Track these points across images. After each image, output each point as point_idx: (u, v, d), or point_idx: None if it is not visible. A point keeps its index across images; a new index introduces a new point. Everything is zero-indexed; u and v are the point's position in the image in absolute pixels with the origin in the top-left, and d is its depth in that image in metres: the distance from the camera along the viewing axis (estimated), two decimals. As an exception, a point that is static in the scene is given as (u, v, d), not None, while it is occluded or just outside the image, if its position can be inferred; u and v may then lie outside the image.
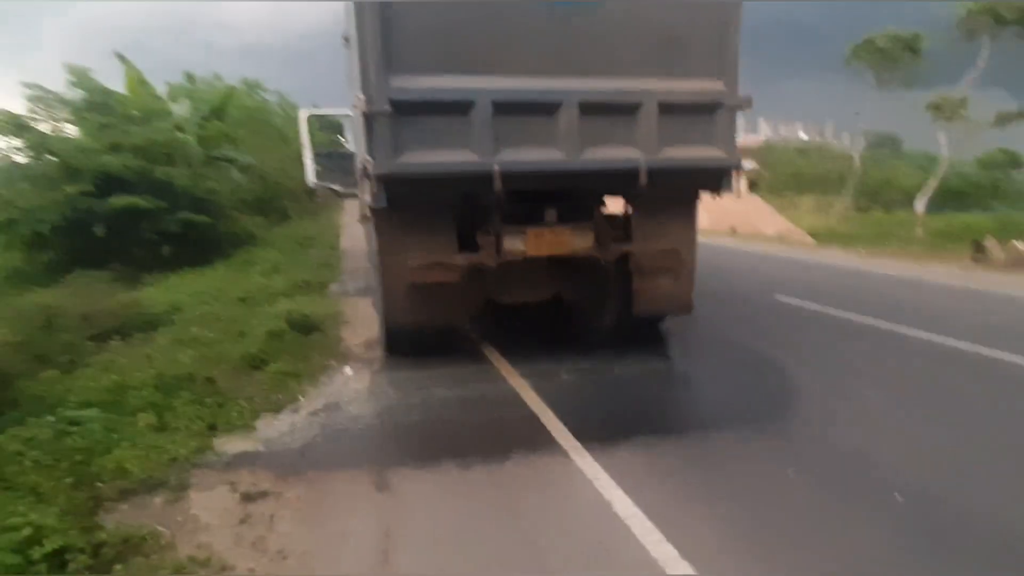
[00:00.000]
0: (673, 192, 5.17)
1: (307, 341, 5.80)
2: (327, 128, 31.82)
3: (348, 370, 5.22)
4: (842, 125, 33.88)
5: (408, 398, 4.51)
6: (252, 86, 19.09)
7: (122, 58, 12.64)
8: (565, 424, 3.93)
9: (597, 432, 3.77)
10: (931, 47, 22.36)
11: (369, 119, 4.22)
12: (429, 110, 4.32)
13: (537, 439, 3.75)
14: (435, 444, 3.75)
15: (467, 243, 5.17)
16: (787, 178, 31.41)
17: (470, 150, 4.41)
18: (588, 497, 3.08)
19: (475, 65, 4.35)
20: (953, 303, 8.51)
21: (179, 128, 12.34)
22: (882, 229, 22.95)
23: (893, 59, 22.93)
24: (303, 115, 12.79)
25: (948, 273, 12.06)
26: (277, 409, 4.34)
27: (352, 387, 4.81)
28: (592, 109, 4.55)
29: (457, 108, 4.36)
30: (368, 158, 4.26)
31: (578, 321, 6.50)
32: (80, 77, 11.12)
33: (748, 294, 8.37)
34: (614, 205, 5.58)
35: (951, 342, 5.81)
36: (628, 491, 3.06)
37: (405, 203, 4.50)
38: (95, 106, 11.01)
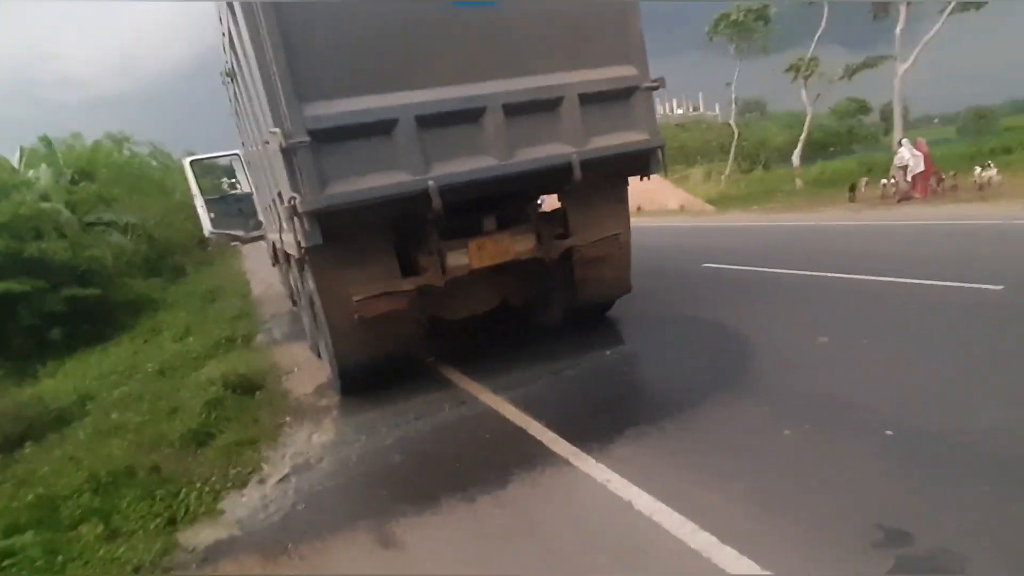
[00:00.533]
0: (604, 180, 5.19)
1: (251, 402, 5.32)
2: (209, 173, 30.05)
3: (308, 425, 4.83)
4: (712, 96, 36.13)
5: (381, 440, 4.23)
6: (119, 140, 17.53)
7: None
8: (554, 431, 3.81)
9: (588, 433, 3.69)
10: (779, 13, 24.34)
11: (288, 153, 3.90)
12: (350, 134, 4.07)
13: (532, 452, 3.61)
14: (428, 482, 3.51)
15: (407, 266, 4.95)
16: (674, 152, 33.08)
17: (400, 170, 4.20)
18: (606, 501, 2.98)
19: (390, 81, 4.15)
20: (853, 241, 9.24)
21: (44, 198, 11.10)
22: (767, 186, 24.73)
23: (748, 29, 24.73)
24: (187, 163, 11.92)
25: (835, 215, 13.14)
26: (241, 484, 3.92)
27: (317, 441, 4.45)
28: (516, 109, 4.48)
29: (379, 128, 4.13)
30: (293, 195, 3.94)
31: (525, 321, 6.43)
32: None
33: (676, 267, 8.63)
34: (550, 203, 5.55)
35: (869, 277, 6.27)
36: (643, 487, 3.00)
37: (340, 235, 4.21)
38: (-64, 187, 9.67)
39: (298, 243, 4.26)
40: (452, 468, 3.65)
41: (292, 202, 3.95)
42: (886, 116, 48.87)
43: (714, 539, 2.52)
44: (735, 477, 2.97)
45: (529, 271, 5.70)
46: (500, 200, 5.07)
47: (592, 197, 5.32)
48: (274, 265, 12.15)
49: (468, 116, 4.37)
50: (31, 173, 12.88)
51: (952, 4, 18.47)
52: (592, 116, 4.75)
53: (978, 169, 14.38)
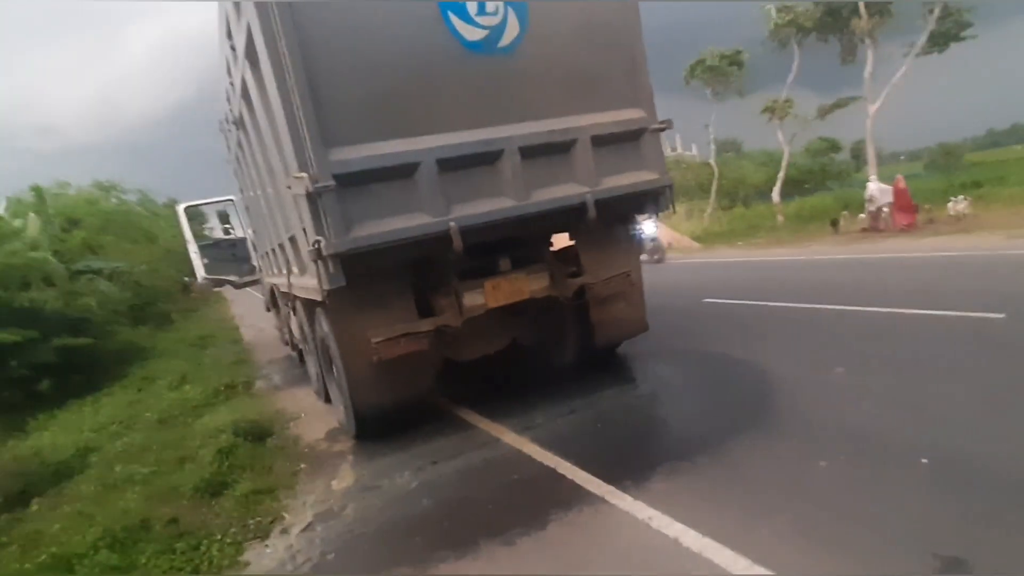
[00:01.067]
0: (614, 219, 5.29)
1: (263, 449, 5.20)
2: (194, 219, 29.94)
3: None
4: (689, 137, 37.12)
5: (406, 484, 4.15)
6: (107, 188, 17.45)
7: (-51, 180, 11.08)
8: (585, 470, 3.78)
9: (620, 470, 3.66)
10: (751, 58, 25.40)
11: (313, 197, 3.94)
12: (374, 178, 4.13)
13: (566, 492, 3.57)
14: (463, 527, 3.44)
15: (423, 307, 4.96)
16: (656, 192, 33.62)
17: (422, 212, 4.26)
18: (650, 539, 2.94)
19: (411, 126, 4.24)
20: (847, 274, 9.45)
21: (33, 247, 10.95)
22: (749, 222, 25.33)
23: (723, 73, 25.76)
24: (180, 209, 11.89)
25: (823, 249, 13.46)
26: (263, 535, 3.80)
27: (337, 488, 4.34)
28: (532, 152, 4.59)
29: (402, 172, 4.20)
30: (318, 238, 3.96)
31: (536, 362, 6.41)
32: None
33: (677, 302, 8.72)
34: (559, 242, 5.62)
35: (872, 309, 6.41)
36: (687, 523, 2.97)
37: (359, 278, 4.21)
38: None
39: (319, 286, 4.26)
40: (485, 511, 3.58)
41: (317, 245, 3.97)
42: (856, 154, 50.78)
43: (771, 574, 2.49)
44: (780, 510, 2.96)
45: (539, 312, 5.72)
46: (514, 241, 5.14)
47: (603, 236, 5.42)
48: (268, 310, 12.06)
49: (486, 159, 4.47)
50: (17, 222, 12.69)
51: (916, 48, 19.49)
52: (604, 157, 4.88)
53: (951, 202, 15.02)
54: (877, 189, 15.24)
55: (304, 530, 3.79)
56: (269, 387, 8.13)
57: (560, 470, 3.89)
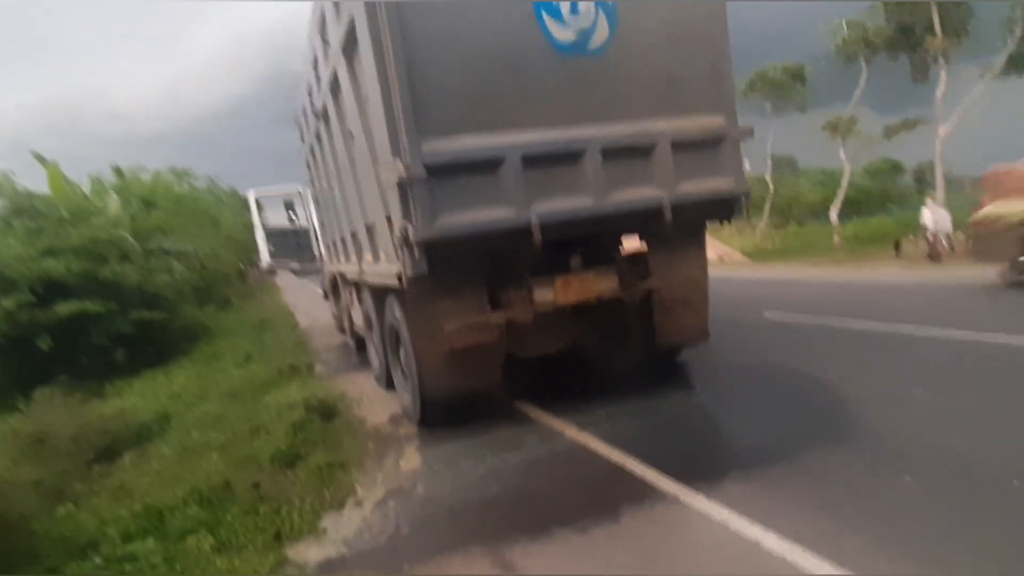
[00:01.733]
0: (687, 224, 5.30)
1: (332, 427, 5.40)
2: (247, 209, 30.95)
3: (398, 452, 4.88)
4: (744, 152, 36.50)
5: (473, 470, 4.25)
6: (180, 175, 18.34)
7: (41, 158, 11.85)
8: (656, 468, 3.80)
9: (692, 472, 3.67)
10: (815, 73, 24.81)
11: (403, 186, 4.10)
12: (461, 170, 4.27)
13: (637, 489, 3.61)
14: (534, 513, 3.52)
15: (493, 301, 5.07)
16: (708, 205, 33.08)
17: (505, 205, 4.38)
18: (728, 539, 2.96)
19: (499, 122, 4.37)
20: (911, 296, 9.16)
21: (114, 224, 11.60)
22: (804, 241, 24.72)
23: (785, 88, 25.24)
24: (252, 196, 12.42)
25: (887, 272, 13.04)
26: (338, 505, 3.97)
27: (406, 468, 4.49)
28: (613, 153, 4.65)
29: (488, 166, 4.34)
30: (406, 224, 4.12)
31: (598, 363, 6.45)
32: (-4, 183, 10.32)
33: (734, 315, 8.61)
34: (629, 245, 5.66)
35: (941, 332, 6.22)
36: (767, 526, 2.97)
37: (438, 267, 4.34)
38: (21, 211, 10.19)
39: (401, 272, 4.42)
40: (555, 500, 3.66)
41: (404, 231, 4.13)
42: (919, 177, 48.95)
43: (858, 579, 2.49)
44: (864, 520, 2.94)
45: (602, 313, 5.76)
46: (586, 240, 5.21)
47: (673, 241, 5.43)
48: (326, 298, 12.45)
49: (569, 158, 4.56)
50: (98, 201, 13.45)
51: (993, 70, 18.71)
52: (682, 162, 4.90)
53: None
54: (931, 215, 14.76)
55: (378, 504, 3.93)
56: (329, 371, 8.40)
57: (628, 467, 3.92)
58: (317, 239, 11.66)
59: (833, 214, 23.76)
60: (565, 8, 4.45)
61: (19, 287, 8.85)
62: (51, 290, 9.00)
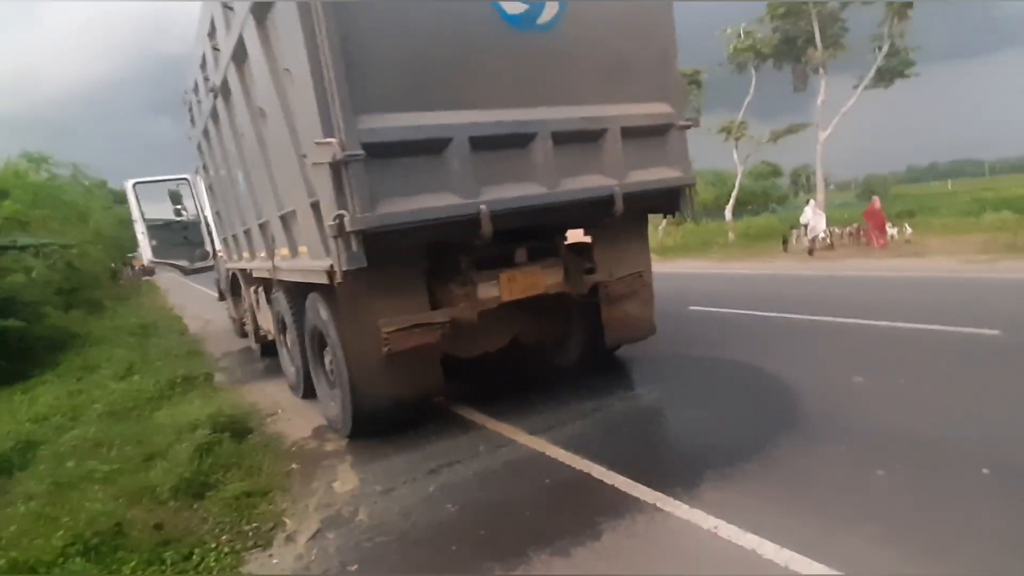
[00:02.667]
0: (632, 216, 5.11)
1: (246, 448, 4.68)
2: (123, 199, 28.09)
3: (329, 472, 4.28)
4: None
5: (422, 488, 3.78)
6: (37, 160, 15.86)
7: None
8: (625, 475, 3.54)
9: (663, 477, 3.45)
10: (709, 79, 26.14)
11: (338, 167, 3.55)
12: (403, 151, 3.79)
13: (610, 499, 3.32)
14: (502, 535, 3.13)
15: (432, 297, 4.62)
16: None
17: (451, 192, 3.95)
18: (724, 549, 2.73)
19: (444, 99, 3.93)
20: (818, 288, 9.71)
21: (-47, 215, 9.79)
22: (702, 238, 25.97)
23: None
24: (129, 185, 10.95)
25: (784, 265, 13.89)
26: (265, 543, 3.36)
27: (341, 490, 3.92)
28: (564, 138, 4.36)
29: (432, 147, 3.89)
30: (341, 212, 3.57)
31: (536, 361, 6.16)
32: None
33: (662, 309, 8.65)
34: (572, 236, 5.40)
35: (865, 322, 6.54)
36: (759, 532, 2.78)
37: (374, 261, 3.82)
38: None
39: (333, 266, 3.85)
40: (523, 518, 3.29)
41: (339, 220, 3.58)
42: (795, 179, 53.54)
43: (873, 588, 2.34)
44: (860, 519, 2.82)
45: (543, 309, 5.47)
46: (530, 232, 4.88)
47: (618, 233, 5.26)
48: (222, 299, 11.25)
49: (518, 141, 4.21)
50: (-68, 189, 11.37)
51: (864, 81, 20.60)
52: (631, 150, 4.71)
53: (895, 228, 16.00)
54: (813, 214, 16.13)
55: (313, 537, 3.37)
56: (231, 381, 7.48)
57: (595, 475, 3.63)
58: (210, 233, 10.48)
59: (728, 212, 25.19)
60: (514, -23, 4.07)
61: None
62: None
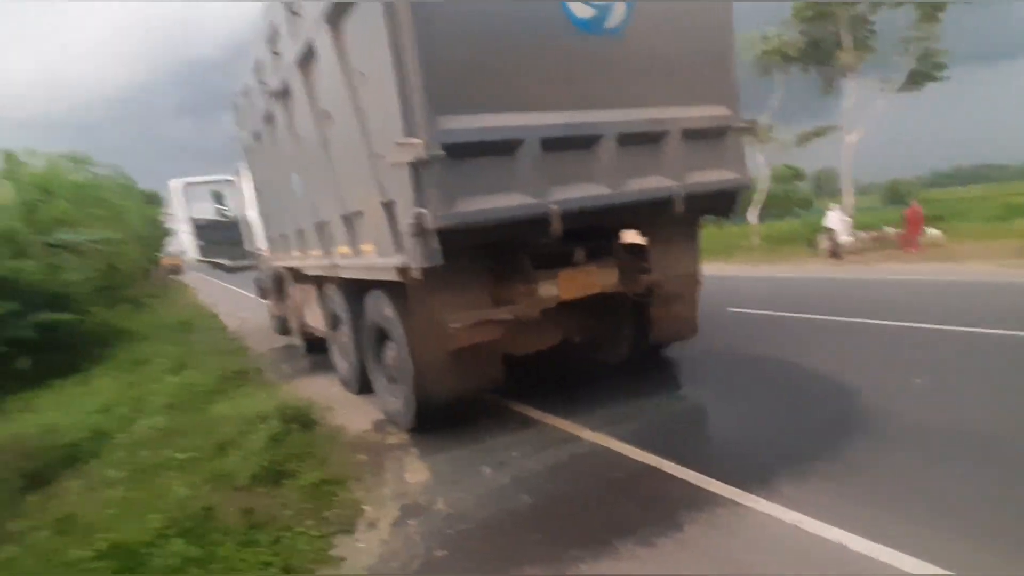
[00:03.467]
0: (686, 217, 5.18)
1: (314, 438, 4.82)
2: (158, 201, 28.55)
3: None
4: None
5: (495, 479, 3.89)
6: (80, 161, 16.30)
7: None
8: (695, 470, 3.61)
9: (736, 472, 3.52)
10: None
11: (417, 167, 3.67)
12: (477, 151, 3.90)
13: (685, 492, 3.40)
14: (583, 525, 3.22)
15: (493, 295, 4.72)
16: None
17: (522, 192, 4.05)
18: (812, 544, 2.79)
19: (517, 101, 4.04)
20: (857, 291, 9.67)
21: (7, 215, 10.12)
22: (726, 241, 25.84)
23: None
24: (175, 185, 11.24)
25: (816, 268, 13.83)
26: (348, 528, 3.48)
27: (413, 480, 4.04)
28: (628, 140, 4.45)
29: (505, 148, 3.99)
30: (420, 210, 3.69)
31: (585, 358, 6.24)
32: None
33: (700, 310, 8.72)
34: (626, 236, 5.48)
35: (910, 325, 6.54)
36: (844, 527, 2.84)
37: (447, 258, 3.93)
38: None
39: (406, 264, 3.98)
40: (601, 509, 3.37)
41: (418, 218, 3.70)
42: (818, 183, 53.00)
43: (966, 578, 2.39)
44: (938, 514, 2.87)
45: (595, 308, 5.55)
46: (587, 232, 4.96)
47: (671, 234, 5.33)
48: (264, 298, 11.47)
49: (585, 142, 4.31)
50: (-15, 188, 11.76)
51: (894, 84, 20.40)
52: (691, 152, 4.79)
53: (928, 231, 16.00)
54: (838, 220, 16.19)
55: (395, 524, 3.49)
56: (280, 376, 7.66)
57: (665, 469, 3.71)
58: (252, 232, 10.70)
59: (752, 216, 25.04)
60: (584, -18, 4.18)
61: None
62: (-66, 289, 7.65)
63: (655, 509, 3.24)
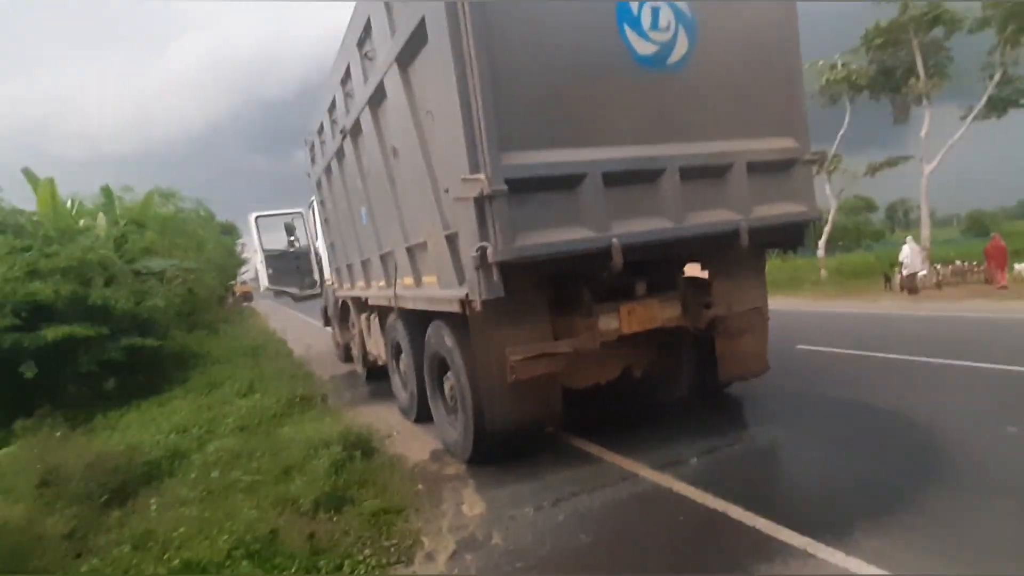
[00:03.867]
0: (749, 251, 5.05)
1: (375, 466, 4.91)
2: (232, 232, 30.13)
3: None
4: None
5: (552, 515, 3.84)
6: (168, 195, 17.64)
7: (30, 174, 11.19)
8: (764, 517, 3.44)
9: (809, 521, 3.32)
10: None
11: (481, 202, 3.76)
12: (541, 186, 3.97)
13: (755, 541, 3.24)
14: (641, 568, 3.12)
15: (554, 327, 4.72)
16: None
17: (584, 226, 4.08)
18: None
19: (579, 136, 4.10)
20: (927, 328, 9.10)
21: (103, 245, 10.95)
22: (791, 275, 24.91)
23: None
24: (252, 218, 11.91)
25: (889, 305, 13.11)
26: (406, 559, 3.50)
27: (471, 513, 4.04)
28: (691, 173, 4.42)
29: (568, 183, 4.05)
30: (484, 244, 3.77)
31: (647, 394, 6.10)
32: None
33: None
34: (689, 269, 5.39)
35: (995, 367, 6.07)
36: (930, 584, 2.63)
37: (509, 290, 3.97)
38: (4, 227, 9.51)
39: (469, 296, 4.06)
40: (663, 554, 3.26)
41: (482, 251, 3.78)
42: (891, 214, 50.63)
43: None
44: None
45: (655, 341, 5.44)
46: (649, 265, 4.92)
47: (736, 268, 5.19)
48: (327, 325, 11.89)
49: (648, 176, 4.32)
50: (82, 222, 12.79)
51: (974, 112, 19.39)
52: (756, 185, 4.70)
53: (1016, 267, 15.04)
54: (911, 253, 15.39)
55: (451, 557, 3.48)
56: (343, 402, 7.86)
57: (731, 514, 3.55)
58: (320, 263, 11.18)
59: (820, 248, 24.09)
60: (646, 20, 4.24)
61: (2, 310, 8.14)
62: (36, 314, 8.31)
63: (720, 557, 3.11)
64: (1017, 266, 15.33)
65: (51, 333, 8.05)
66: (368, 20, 5.29)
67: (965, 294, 13.63)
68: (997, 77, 18.99)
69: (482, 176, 3.69)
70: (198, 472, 5.03)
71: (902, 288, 15.27)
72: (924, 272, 15.67)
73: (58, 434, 6.29)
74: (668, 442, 4.82)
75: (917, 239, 17.73)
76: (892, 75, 21.44)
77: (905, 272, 15.48)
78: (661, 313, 4.93)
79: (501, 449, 4.84)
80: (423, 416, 6.07)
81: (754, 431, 5.07)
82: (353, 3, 5.63)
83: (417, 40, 4.29)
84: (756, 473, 4.18)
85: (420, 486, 4.58)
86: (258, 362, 11.00)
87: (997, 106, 19.74)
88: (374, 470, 4.80)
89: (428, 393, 5.72)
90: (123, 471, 4.91)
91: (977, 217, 47.18)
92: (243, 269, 34.50)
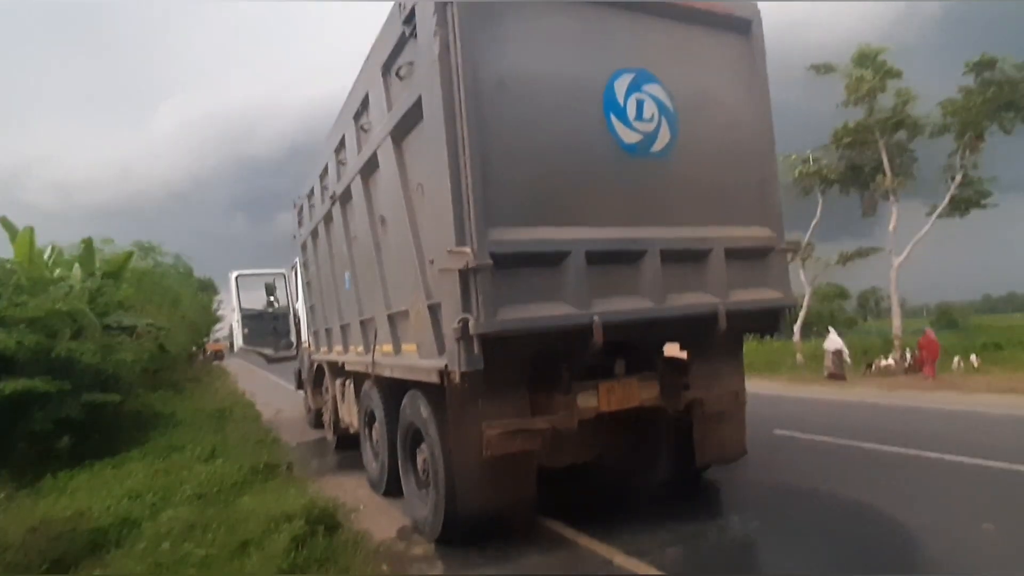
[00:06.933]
0: (730, 334, 5.12)
1: (338, 543, 4.65)
2: (208, 288, 29.81)
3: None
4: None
5: (522, 604, 3.64)
6: (148, 249, 17.48)
7: (8, 223, 11.09)
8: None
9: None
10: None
11: (466, 274, 3.80)
12: (525, 262, 4.03)
13: (732, 637, 3.10)
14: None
15: (532, 404, 4.66)
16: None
17: (566, 303, 4.13)
18: None
19: (564, 216, 4.22)
20: (909, 419, 9.16)
21: (75, 297, 10.72)
22: (766, 358, 25.18)
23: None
24: (233, 276, 11.83)
25: (865, 392, 13.25)
26: (365, 648, 3.27)
27: (438, 600, 3.82)
28: (671, 256, 4.54)
29: (552, 260, 4.12)
30: (466, 316, 3.78)
31: (621, 477, 5.96)
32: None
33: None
34: (668, 351, 5.42)
35: (969, 461, 6.09)
36: None
37: (487, 364, 3.95)
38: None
39: (448, 367, 4.02)
40: (637, 649, 3.09)
41: (464, 323, 3.78)
42: (863, 303, 52.05)
43: None
44: None
45: (632, 422, 5.39)
46: (628, 345, 4.94)
47: (715, 352, 5.23)
48: (299, 388, 11.60)
49: (629, 257, 4.42)
50: (57, 272, 12.58)
51: (939, 210, 20.41)
52: (734, 271, 4.83)
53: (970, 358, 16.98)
54: (836, 344, 17.45)
55: (414, 648, 3.26)
56: (310, 472, 7.55)
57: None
58: (298, 325, 11.04)
59: (796, 333, 24.51)
60: (631, 111, 4.47)
61: (-41, 360, 7.82)
62: (-5, 365, 8.00)
63: (699, 655, 2.95)
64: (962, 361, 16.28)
65: (9, 387, 7.71)
66: (366, 95, 5.51)
67: (899, 384, 14.19)
68: (958, 179, 20.17)
69: (468, 249, 3.75)
70: (148, 543, 4.72)
71: (832, 376, 16.59)
72: (848, 361, 17.41)
73: (2, 495, 5.91)
74: (644, 527, 4.68)
75: (889, 328, 18.53)
76: (861, 171, 22.60)
77: (833, 359, 16.99)
78: (640, 393, 4.91)
79: (471, 529, 4.65)
80: (392, 489, 5.85)
81: (729, 520, 4.94)
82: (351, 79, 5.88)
83: (412, 117, 4.46)
84: (730, 564, 4.06)
85: (385, 567, 4.35)
86: (223, 425, 10.61)
87: (959, 206, 20.85)
88: (337, 548, 4.55)
89: (400, 465, 5.54)
90: (67, 539, 4.59)
91: (945, 309, 48.71)
92: (217, 327, 33.96)
